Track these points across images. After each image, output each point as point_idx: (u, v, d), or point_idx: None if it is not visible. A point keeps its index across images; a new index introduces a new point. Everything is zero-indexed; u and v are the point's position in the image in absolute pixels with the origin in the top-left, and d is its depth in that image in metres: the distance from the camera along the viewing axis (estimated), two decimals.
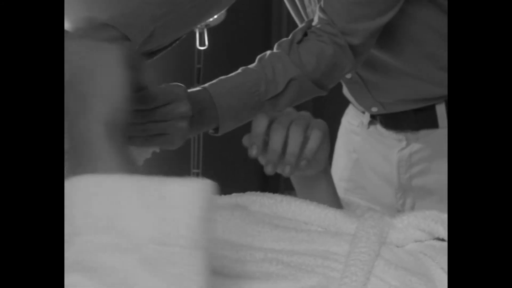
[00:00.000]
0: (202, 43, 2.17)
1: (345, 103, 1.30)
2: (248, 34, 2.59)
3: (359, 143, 1.25)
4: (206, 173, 2.80)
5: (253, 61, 0.93)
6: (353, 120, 1.26)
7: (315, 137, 0.69)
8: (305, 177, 0.77)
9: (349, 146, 1.27)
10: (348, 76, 1.13)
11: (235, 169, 3.14)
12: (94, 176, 0.49)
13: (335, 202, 0.77)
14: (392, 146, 1.19)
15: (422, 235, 0.68)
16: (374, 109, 1.17)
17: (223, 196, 0.72)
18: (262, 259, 0.57)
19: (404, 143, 1.17)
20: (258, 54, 0.93)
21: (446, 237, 0.66)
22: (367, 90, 1.14)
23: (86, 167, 0.52)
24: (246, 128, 0.76)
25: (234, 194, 0.72)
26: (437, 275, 0.62)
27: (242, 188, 0.76)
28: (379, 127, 1.20)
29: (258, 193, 0.72)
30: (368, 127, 1.22)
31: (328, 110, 1.60)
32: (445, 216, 0.68)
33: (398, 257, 0.63)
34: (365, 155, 1.24)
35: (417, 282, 0.58)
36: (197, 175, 2.74)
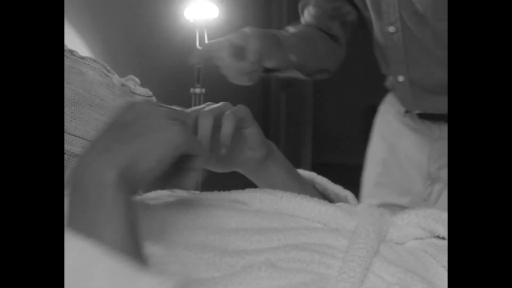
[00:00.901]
0: (202, 43, 2.17)
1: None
2: None
3: (394, 131, 1.30)
4: (206, 173, 2.78)
5: None
6: (391, 108, 1.31)
7: (226, 123, 0.69)
8: (252, 168, 0.77)
9: (384, 133, 1.32)
10: (401, 79, 1.16)
11: None
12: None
13: (292, 185, 0.77)
14: (425, 135, 1.23)
15: (422, 233, 0.67)
16: (417, 111, 1.22)
17: (222, 192, 0.72)
18: (251, 265, 0.56)
19: (437, 134, 1.21)
20: None
21: (446, 237, 0.66)
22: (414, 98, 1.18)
23: (85, 219, 0.48)
24: None
25: (233, 191, 0.72)
26: (439, 274, 0.62)
27: (242, 187, 0.75)
28: (414, 116, 1.25)
29: (258, 189, 0.72)
30: (404, 115, 1.27)
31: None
32: (445, 215, 0.67)
33: (398, 254, 0.63)
34: (399, 143, 1.30)
35: (416, 280, 0.58)
36: None
